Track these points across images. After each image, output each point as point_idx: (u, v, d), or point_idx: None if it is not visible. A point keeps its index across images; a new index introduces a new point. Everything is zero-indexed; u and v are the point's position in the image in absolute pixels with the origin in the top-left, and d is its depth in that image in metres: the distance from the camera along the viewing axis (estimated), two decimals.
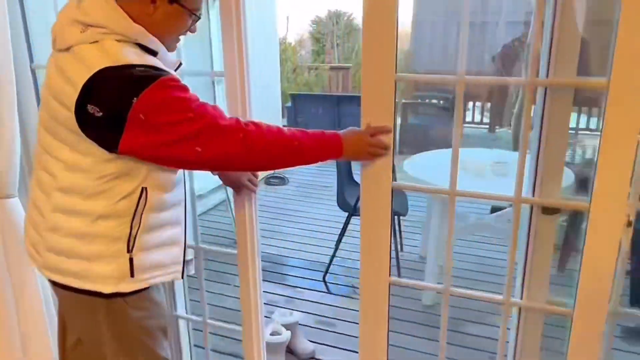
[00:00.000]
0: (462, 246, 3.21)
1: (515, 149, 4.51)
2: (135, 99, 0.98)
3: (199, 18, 1.16)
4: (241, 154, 1.08)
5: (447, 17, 7.29)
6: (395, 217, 2.96)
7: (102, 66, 1.00)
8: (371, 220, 1.27)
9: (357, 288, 3.12)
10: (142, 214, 1.13)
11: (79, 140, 1.05)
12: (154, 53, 1.10)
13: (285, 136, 1.12)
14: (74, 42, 1.05)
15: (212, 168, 1.20)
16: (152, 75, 1.01)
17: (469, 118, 7.79)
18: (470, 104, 7.70)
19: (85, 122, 1.02)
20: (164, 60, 1.12)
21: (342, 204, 3.00)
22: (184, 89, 1.06)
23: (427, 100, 7.09)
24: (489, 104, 7.66)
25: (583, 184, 2.82)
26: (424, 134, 6.11)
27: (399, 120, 6.44)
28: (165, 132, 1.02)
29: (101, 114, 1.00)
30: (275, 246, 3.50)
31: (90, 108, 1.00)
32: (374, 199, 1.26)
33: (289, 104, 6.05)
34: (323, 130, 1.17)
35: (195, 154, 1.05)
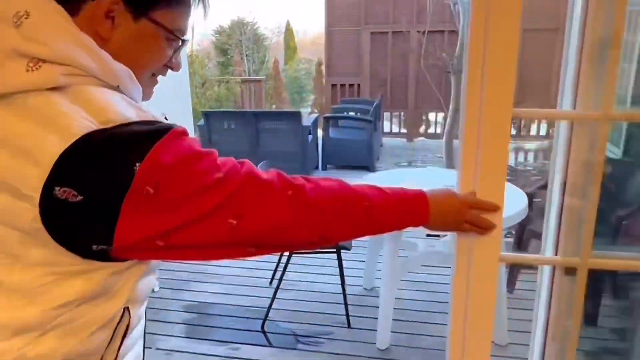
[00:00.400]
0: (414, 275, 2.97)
1: (449, 166, 4.37)
2: (138, 164, 0.64)
3: (184, 44, 0.81)
4: (293, 219, 0.73)
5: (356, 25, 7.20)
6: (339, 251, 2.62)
7: (87, 131, 0.64)
8: (474, 302, 0.89)
9: (302, 337, 2.83)
10: (120, 343, 0.76)
11: (28, 248, 0.67)
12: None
13: (351, 193, 0.78)
14: (19, 87, 0.66)
15: (246, 252, 0.75)
16: (158, 128, 0.67)
17: (387, 129, 7.74)
18: (388, 114, 7.65)
19: (52, 215, 0.64)
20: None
21: None
22: (198, 142, 0.72)
23: (345, 113, 6.91)
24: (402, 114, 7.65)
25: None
26: (345, 148, 5.88)
27: (320, 133, 6.15)
28: (186, 207, 0.68)
29: (81, 197, 0.64)
30: (200, 292, 3.00)
31: (61, 192, 0.63)
32: (479, 276, 0.88)
33: (201, 121, 5.53)
34: (403, 187, 0.83)
35: (228, 231, 0.70)
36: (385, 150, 6.86)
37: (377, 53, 7.14)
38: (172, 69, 0.82)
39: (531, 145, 6.32)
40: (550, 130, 6.96)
